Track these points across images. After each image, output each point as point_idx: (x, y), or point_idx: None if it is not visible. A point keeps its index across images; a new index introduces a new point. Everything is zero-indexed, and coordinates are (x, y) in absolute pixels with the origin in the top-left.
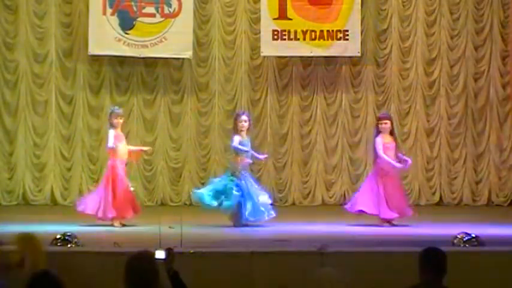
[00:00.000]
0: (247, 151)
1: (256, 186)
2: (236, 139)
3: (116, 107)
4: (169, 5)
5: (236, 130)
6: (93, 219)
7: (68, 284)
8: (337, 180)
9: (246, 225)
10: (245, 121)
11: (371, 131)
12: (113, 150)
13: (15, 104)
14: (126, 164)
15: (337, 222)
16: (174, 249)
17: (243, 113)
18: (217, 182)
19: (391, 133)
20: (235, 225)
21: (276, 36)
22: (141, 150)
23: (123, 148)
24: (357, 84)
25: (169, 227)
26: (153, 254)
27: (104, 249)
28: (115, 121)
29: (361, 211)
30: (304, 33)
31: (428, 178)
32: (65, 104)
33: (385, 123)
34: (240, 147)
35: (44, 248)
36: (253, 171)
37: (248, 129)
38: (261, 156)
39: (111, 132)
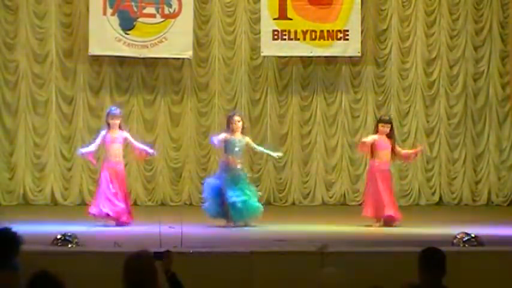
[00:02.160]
0: (231, 149)
1: (237, 187)
2: (221, 136)
3: (113, 108)
4: (170, 5)
5: (229, 130)
6: (93, 219)
7: (68, 284)
8: (337, 180)
9: (239, 225)
10: (238, 121)
11: (371, 131)
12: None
13: (15, 104)
14: (125, 165)
15: (337, 222)
16: (174, 249)
17: (235, 114)
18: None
19: (389, 136)
20: (229, 226)
21: (276, 36)
22: (146, 152)
23: (114, 150)
24: (357, 84)
25: (169, 227)
26: (152, 253)
27: (104, 249)
28: (111, 122)
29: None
30: (304, 33)
31: (428, 178)
32: (65, 104)
33: (382, 126)
34: (217, 142)
35: None
36: (253, 171)
37: (243, 129)
38: (274, 154)
39: (101, 133)
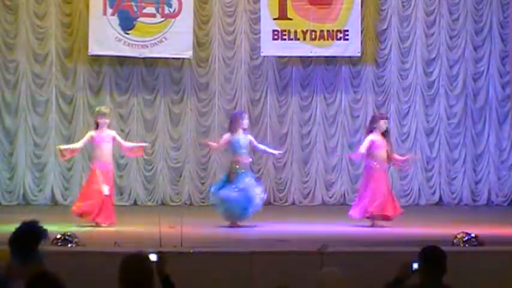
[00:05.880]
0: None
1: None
2: (224, 137)
3: (103, 107)
4: (170, 5)
5: (233, 130)
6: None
7: (67, 284)
8: (337, 180)
9: (239, 226)
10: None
11: None
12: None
13: (15, 104)
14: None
15: (337, 222)
16: (174, 249)
17: (243, 112)
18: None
19: (384, 134)
20: (230, 225)
21: (276, 36)
22: (140, 147)
23: (103, 150)
24: (357, 84)
25: (169, 227)
26: (148, 255)
27: (104, 249)
28: (99, 121)
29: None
30: (304, 33)
31: (427, 178)
32: (65, 104)
33: (385, 122)
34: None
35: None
36: (253, 171)
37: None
38: (276, 152)
39: (88, 133)
